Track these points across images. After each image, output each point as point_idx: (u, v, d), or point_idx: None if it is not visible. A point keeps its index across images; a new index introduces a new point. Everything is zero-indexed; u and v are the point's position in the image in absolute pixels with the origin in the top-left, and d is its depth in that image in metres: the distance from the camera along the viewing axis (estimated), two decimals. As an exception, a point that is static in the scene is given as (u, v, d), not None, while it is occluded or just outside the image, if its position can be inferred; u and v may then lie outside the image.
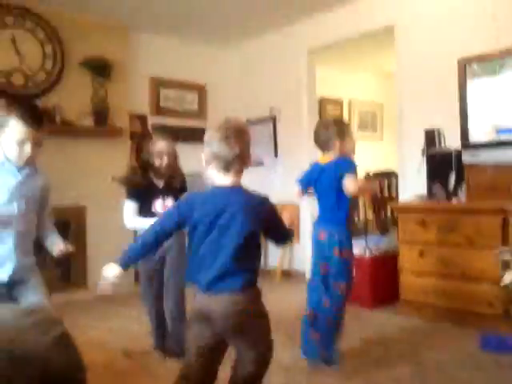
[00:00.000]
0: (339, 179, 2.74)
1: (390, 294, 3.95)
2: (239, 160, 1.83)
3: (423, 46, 4.29)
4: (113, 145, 5.02)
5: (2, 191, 2.19)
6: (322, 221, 2.90)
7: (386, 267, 4.09)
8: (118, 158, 5.01)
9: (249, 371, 1.91)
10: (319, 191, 2.93)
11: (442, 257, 3.57)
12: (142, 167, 3.16)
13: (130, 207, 3.11)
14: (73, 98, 4.79)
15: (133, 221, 3.10)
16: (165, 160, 3.11)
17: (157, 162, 3.10)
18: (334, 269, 2.79)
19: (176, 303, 3.03)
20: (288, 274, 5.51)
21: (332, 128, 2.84)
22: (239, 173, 1.87)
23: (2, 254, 2.22)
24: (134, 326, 3.73)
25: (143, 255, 1.99)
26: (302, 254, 5.44)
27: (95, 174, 4.86)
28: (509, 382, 2.53)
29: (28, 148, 2.18)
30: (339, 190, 2.76)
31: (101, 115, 4.88)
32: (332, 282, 2.79)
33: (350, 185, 2.71)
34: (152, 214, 3.02)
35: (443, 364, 2.80)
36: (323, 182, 2.87)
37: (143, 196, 3.10)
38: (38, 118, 2.23)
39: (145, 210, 3.08)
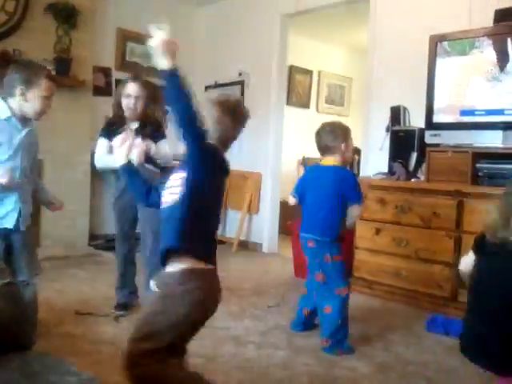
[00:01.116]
0: (340, 193, 2.74)
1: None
2: None
3: (397, 20, 4.26)
4: (74, 98, 4.83)
5: (9, 145, 2.41)
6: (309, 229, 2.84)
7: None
8: (79, 112, 4.86)
9: None
10: (314, 197, 2.85)
11: (397, 236, 3.62)
12: (115, 108, 3.14)
13: (100, 145, 3.09)
14: (34, 43, 4.56)
15: (102, 159, 3.05)
16: (131, 102, 3.03)
17: (124, 104, 3.05)
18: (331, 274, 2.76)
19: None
20: (244, 246, 5.52)
21: (338, 130, 2.83)
22: None
23: (8, 205, 2.47)
24: (84, 288, 3.68)
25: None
26: (259, 226, 5.45)
27: (54, 126, 4.69)
28: (451, 363, 2.61)
29: (51, 103, 2.52)
30: (338, 200, 2.75)
31: (63, 64, 4.67)
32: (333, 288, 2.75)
33: (354, 213, 2.78)
34: None
35: (390, 343, 2.86)
36: (321, 188, 2.81)
37: (115, 135, 2.88)
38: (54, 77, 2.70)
39: None
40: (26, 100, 2.42)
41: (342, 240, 2.82)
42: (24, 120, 2.49)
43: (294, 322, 3.01)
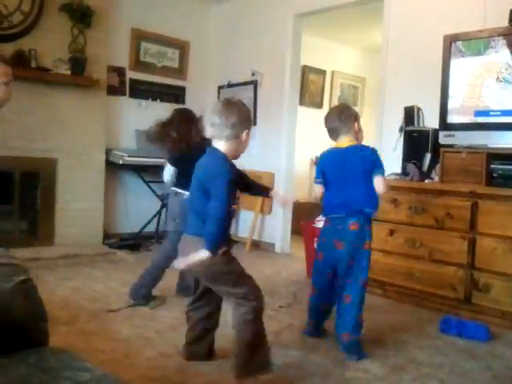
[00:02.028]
0: (369, 167, 2.63)
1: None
2: None
3: (411, 20, 4.24)
4: (88, 96, 4.87)
5: None
6: (349, 211, 2.66)
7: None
8: (92, 111, 4.91)
9: None
10: (342, 177, 2.70)
11: (411, 237, 3.60)
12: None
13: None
14: (50, 43, 4.61)
15: None
16: None
17: None
18: (361, 263, 2.67)
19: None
20: (257, 245, 5.53)
21: (348, 111, 2.76)
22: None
23: None
24: (98, 286, 3.71)
25: None
26: (272, 226, 5.45)
27: (68, 125, 4.74)
28: (464, 365, 2.59)
29: (12, 88, 2.32)
30: (370, 176, 2.64)
31: (78, 64, 4.71)
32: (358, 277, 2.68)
33: (381, 186, 2.63)
34: None
35: (403, 344, 2.85)
36: (348, 166, 2.68)
37: None
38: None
39: None
40: None
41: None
42: None
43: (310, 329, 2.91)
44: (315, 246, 4.23)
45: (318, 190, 2.78)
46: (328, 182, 2.74)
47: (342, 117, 2.71)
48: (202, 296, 2.44)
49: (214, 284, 2.30)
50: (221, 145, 2.24)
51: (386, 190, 2.66)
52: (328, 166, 2.76)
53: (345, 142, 2.72)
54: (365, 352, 2.65)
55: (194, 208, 2.27)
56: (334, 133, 2.76)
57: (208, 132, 2.25)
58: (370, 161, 2.64)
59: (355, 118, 2.75)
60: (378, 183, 2.62)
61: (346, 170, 2.68)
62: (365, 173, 2.64)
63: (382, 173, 2.65)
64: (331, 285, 2.78)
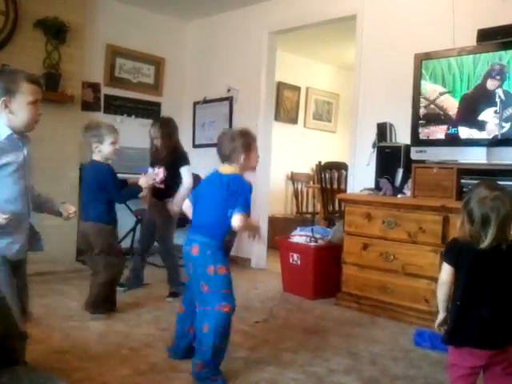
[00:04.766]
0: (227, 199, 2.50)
1: (333, 286, 4.00)
2: None
3: (383, 38, 4.34)
4: (63, 112, 4.84)
5: (14, 167, 2.16)
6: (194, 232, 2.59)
7: (330, 259, 4.12)
8: (67, 127, 4.87)
9: None
10: (204, 198, 2.62)
11: (384, 251, 3.65)
12: None
13: None
14: (24, 59, 4.58)
15: None
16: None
17: None
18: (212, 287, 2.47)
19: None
20: (233, 261, 5.49)
21: (239, 140, 2.59)
22: None
23: (22, 231, 2.25)
24: (71, 303, 3.66)
25: None
26: (248, 241, 5.43)
27: (42, 141, 4.68)
28: (437, 377, 2.63)
29: (40, 108, 2.24)
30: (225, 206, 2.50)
31: (52, 80, 4.70)
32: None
33: (235, 221, 2.46)
34: None
35: (378, 357, 2.88)
36: (212, 190, 2.59)
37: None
38: (39, 79, 2.32)
39: None
40: (11, 112, 2.16)
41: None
42: (22, 135, 2.23)
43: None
44: (290, 261, 4.27)
45: (186, 204, 2.75)
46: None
47: (230, 147, 2.58)
48: None
49: None
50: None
51: (239, 227, 2.49)
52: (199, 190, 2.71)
53: (227, 169, 2.62)
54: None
55: None
56: (221, 158, 2.65)
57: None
58: (235, 196, 2.51)
59: (244, 148, 2.60)
60: (234, 220, 2.47)
61: (208, 193, 2.62)
62: (221, 201, 2.52)
63: (242, 211, 2.47)
64: None
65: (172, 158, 3.97)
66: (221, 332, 2.42)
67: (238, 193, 2.51)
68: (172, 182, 3.91)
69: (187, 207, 2.71)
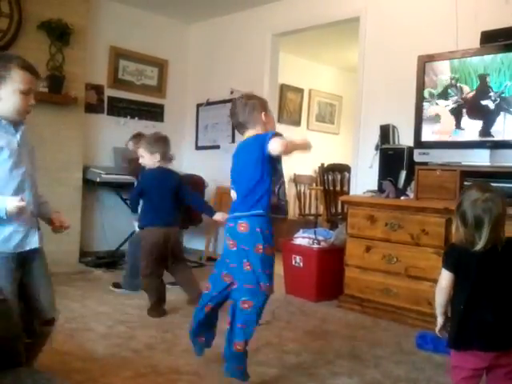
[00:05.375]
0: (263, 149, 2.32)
1: (335, 288, 3.99)
2: None
3: (386, 40, 4.34)
4: (66, 114, 4.86)
5: (11, 151, 2.03)
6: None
7: (333, 261, 4.10)
8: (70, 129, 4.89)
9: None
10: (240, 172, 2.47)
11: (387, 253, 3.65)
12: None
13: None
14: (28, 61, 4.60)
15: None
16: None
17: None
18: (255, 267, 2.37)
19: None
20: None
21: (251, 102, 2.47)
22: None
23: (28, 221, 2.11)
24: (74, 305, 3.66)
25: None
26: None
27: (46, 143, 4.70)
28: (440, 380, 2.62)
29: (32, 98, 2.09)
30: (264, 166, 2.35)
31: (56, 82, 4.71)
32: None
33: (272, 145, 2.29)
34: None
35: (380, 360, 2.87)
36: (242, 160, 2.44)
37: None
38: (34, 67, 2.15)
39: None
40: (0, 99, 2.02)
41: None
42: (13, 121, 2.09)
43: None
44: (293, 263, 4.26)
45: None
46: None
47: (247, 109, 2.44)
48: None
49: None
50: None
51: (281, 149, 2.30)
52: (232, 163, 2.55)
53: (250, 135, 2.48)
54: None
55: None
56: (240, 126, 2.51)
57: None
58: (262, 140, 2.34)
59: (262, 106, 2.48)
60: (270, 145, 2.29)
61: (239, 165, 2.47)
62: (258, 163, 2.35)
63: (272, 136, 2.31)
64: None
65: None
66: (261, 311, 2.41)
67: (264, 136, 2.34)
68: None
69: (235, 195, 2.51)
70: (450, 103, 3.57)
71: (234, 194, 2.50)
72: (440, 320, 2.02)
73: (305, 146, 2.47)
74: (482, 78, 3.40)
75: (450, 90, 3.56)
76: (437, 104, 3.64)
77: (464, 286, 1.91)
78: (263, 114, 2.46)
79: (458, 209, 1.92)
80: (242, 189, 2.44)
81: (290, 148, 2.35)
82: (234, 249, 2.42)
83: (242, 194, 2.42)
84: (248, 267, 2.37)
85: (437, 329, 2.04)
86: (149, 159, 3.64)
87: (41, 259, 2.19)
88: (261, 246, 2.36)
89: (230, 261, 2.47)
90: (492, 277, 1.89)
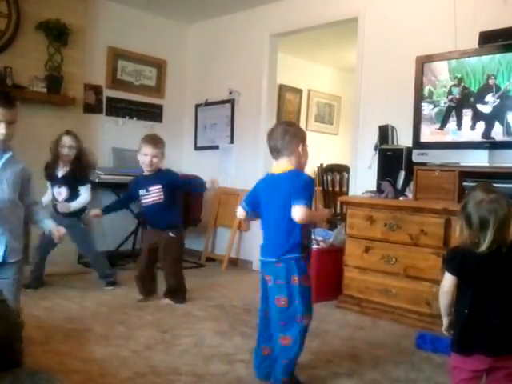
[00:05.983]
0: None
1: (334, 288, 3.98)
2: None
3: (384, 40, 4.34)
4: (65, 115, 4.86)
5: None
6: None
7: (332, 261, 4.10)
8: (69, 129, 4.86)
9: None
10: (269, 208, 2.45)
11: (386, 254, 3.64)
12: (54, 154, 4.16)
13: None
14: (26, 61, 4.61)
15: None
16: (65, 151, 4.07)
17: (62, 152, 4.10)
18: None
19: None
20: (235, 263, 5.51)
21: (294, 128, 2.47)
22: None
23: None
24: (73, 306, 3.66)
25: None
26: (250, 243, 5.44)
27: (44, 143, 4.68)
28: (439, 380, 2.62)
29: (2, 128, 2.30)
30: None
31: (54, 82, 4.71)
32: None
33: (295, 213, 2.28)
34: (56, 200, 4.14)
35: (379, 360, 2.86)
36: (275, 196, 2.40)
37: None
38: (8, 98, 2.38)
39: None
40: None
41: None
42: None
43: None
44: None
45: (239, 211, 2.56)
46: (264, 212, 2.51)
47: (287, 137, 2.40)
48: None
49: None
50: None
51: (303, 218, 2.28)
52: (259, 194, 2.51)
53: (280, 166, 2.43)
54: None
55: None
56: (275, 151, 2.44)
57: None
58: (294, 189, 2.32)
59: (301, 139, 2.44)
60: (294, 212, 2.29)
61: (272, 201, 2.43)
62: (287, 205, 2.33)
63: (303, 201, 2.28)
64: None
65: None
66: (302, 343, 2.36)
67: (297, 184, 2.32)
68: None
69: (241, 214, 2.53)
70: (449, 103, 3.57)
71: (241, 213, 2.53)
72: (446, 320, 2.02)
73: (321, 221, 2.51)
74: (481, 78, 3.40)
75: (448, 91, 3.57)
76: (435, 104, 3.65)
77: (467, 289, 1.90)
78: (301, 145, 2.43)
79: (463, 210, 1.91)
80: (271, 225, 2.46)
81: (309, 219, 2.37)
82: (270, 284, 2.41)
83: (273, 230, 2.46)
84: (283, 303, 2.35)
85: (443, 328, 2.04)
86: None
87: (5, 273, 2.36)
88: (296, 278, 2.34)
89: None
90: (496, 279, 1.88)
